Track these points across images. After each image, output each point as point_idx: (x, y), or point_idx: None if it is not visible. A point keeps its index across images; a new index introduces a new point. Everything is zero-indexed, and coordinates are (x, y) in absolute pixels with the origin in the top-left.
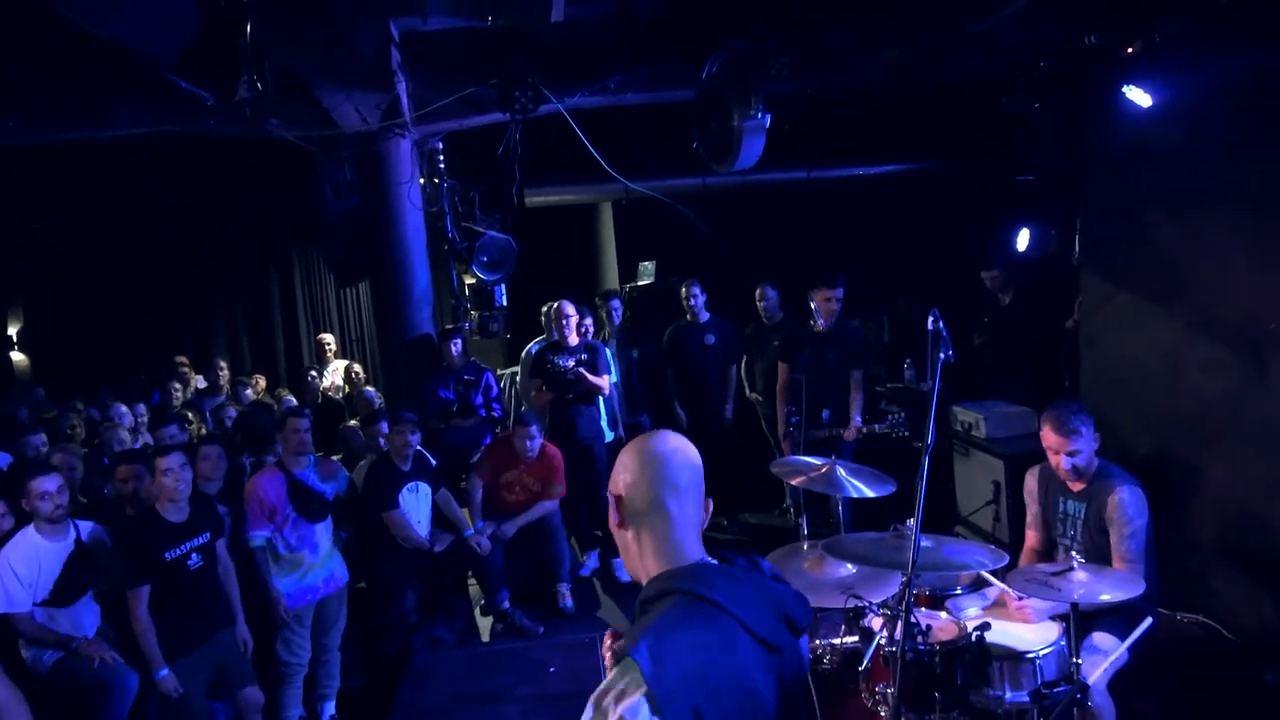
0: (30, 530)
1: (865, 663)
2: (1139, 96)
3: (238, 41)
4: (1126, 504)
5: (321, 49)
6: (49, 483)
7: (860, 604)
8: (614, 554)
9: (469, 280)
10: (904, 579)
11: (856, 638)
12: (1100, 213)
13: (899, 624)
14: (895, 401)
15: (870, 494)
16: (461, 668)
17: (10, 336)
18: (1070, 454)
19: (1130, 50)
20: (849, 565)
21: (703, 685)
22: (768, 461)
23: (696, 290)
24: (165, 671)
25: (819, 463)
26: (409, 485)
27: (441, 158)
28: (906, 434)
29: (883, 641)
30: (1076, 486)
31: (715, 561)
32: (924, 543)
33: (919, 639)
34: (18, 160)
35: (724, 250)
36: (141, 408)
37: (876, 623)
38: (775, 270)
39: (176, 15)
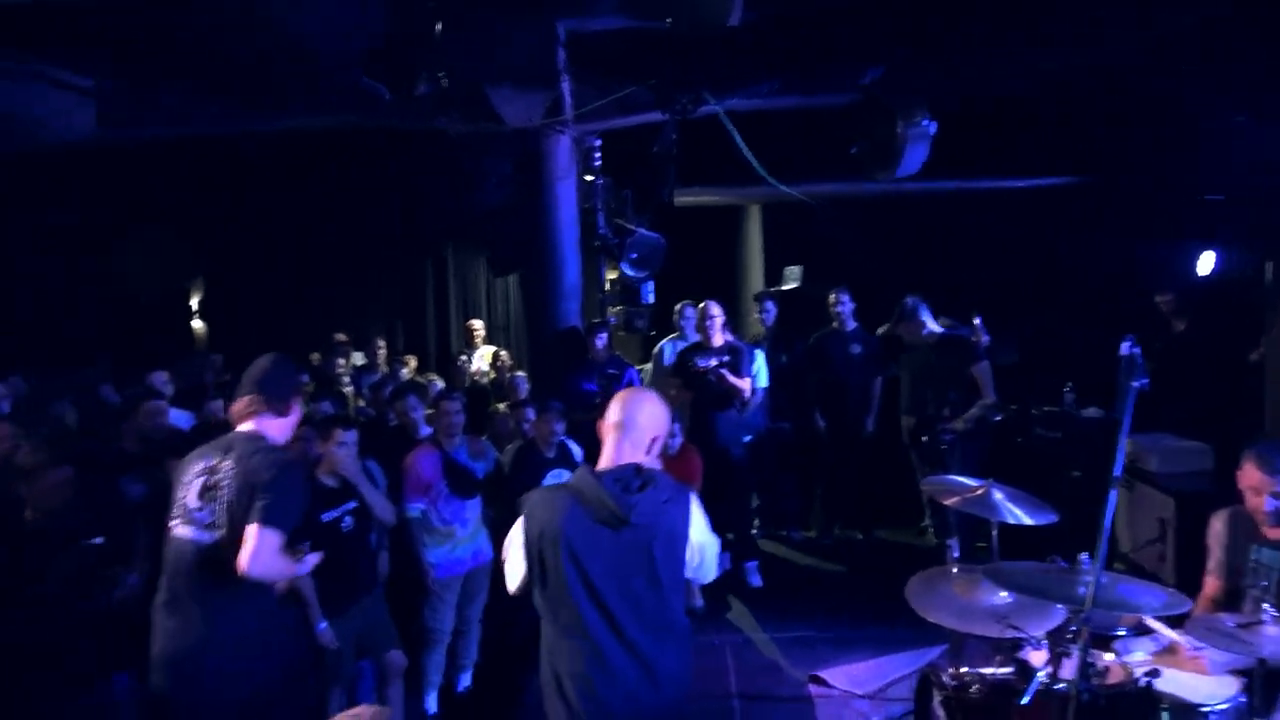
0: None
1: (1028, 698)
2: None
3: (419, 42)
4: None
5: (493, 50)
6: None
7: (1019, 635)
8: (746, 559)
9: (611, 275)
10: (1075, 614)
11: (1010, 669)
12: None
13: (1067, 661)
14: (1052, 427)
15: (1028, 521)
16: None
17: (192, 306)
18: (1276, 495)
19: None
20: (1003, 593)
21: (544, 518)
22: (908, 478)
23: (845, 298)
24: (325, 625)
25: (975, 484)
26: (553, 472)
27: (597, 155)
28: (999, 419)
29: (1045, 678)
30: (1276, 534)
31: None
32: (1101, 579)
33: (1093, 679)
34: (203, 147)
35: (873, 259)
36: (305, 377)
37: (1036, 657)
38: (924, 282)
39: (365, 17)
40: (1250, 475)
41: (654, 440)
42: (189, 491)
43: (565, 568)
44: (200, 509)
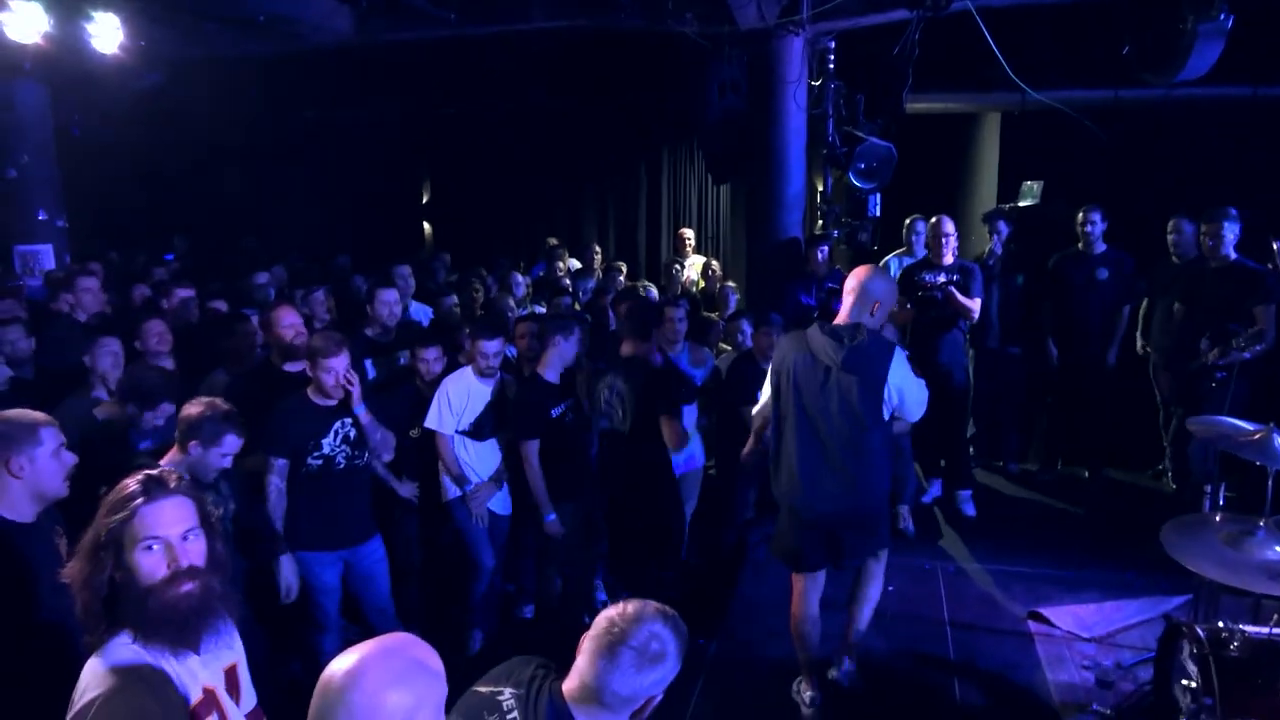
0: (468, 371)
1: None
2: None
3: None
4: None
5: None
6: (492, 346)
7: None
8: (959, 487)
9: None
10: None
11: None
12: None
13: None
14: None
15: None
16: None
17: (422, 206)
18: None
19: None
20: (1278, 548)
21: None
22: (1146, 415)
23: (1096, 217)
24: (553, 515)
25: (1253, 428)
26: None
27: (831, 58)
28: (1261, 346)
29: None
30: None
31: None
32: None
33: None
34: (433, 52)
35: (1133, 175)
36: (524, 279)
37: None
38: (1193, 202)
39: None
40: None
41: (877, 305)
42: None
43: (791, 394)
44: None
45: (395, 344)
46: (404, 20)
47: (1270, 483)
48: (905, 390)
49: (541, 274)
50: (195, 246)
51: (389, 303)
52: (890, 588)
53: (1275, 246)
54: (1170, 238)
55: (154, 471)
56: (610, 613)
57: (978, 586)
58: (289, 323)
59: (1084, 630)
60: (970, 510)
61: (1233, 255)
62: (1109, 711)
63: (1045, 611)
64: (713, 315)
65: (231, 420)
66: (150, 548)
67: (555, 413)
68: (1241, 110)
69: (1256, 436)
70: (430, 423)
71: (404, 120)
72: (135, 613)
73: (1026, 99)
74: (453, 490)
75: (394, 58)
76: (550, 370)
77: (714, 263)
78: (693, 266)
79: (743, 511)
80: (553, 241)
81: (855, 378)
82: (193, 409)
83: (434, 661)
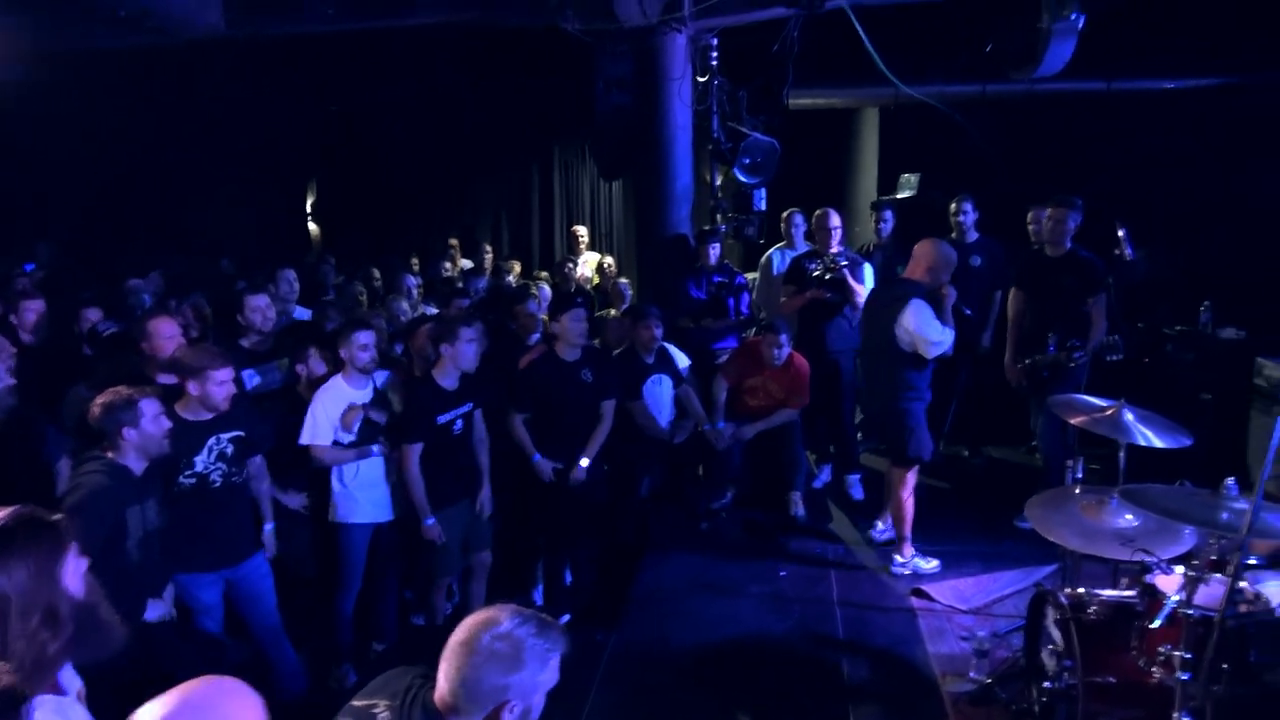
0: (338, 380)
1: (1159, 621)
2: None
3: None
4: None
5: None
6: (367, 336)
7: (1147, 559)
8: (848, 471)
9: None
10: (1214, 540)
11: (1132, 592)
12: None
13: (1203, 587)
14: (1185, 347)
15: (1159, 444)
16: (695, 558)
17: (307, 208)
18: None
19: None
20: (1129, 516)
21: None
22: (1019, 396)
23: (968, 207)
24: (432, 520)
25: (1105, 404)
26: (653, 378)
27: (714, 54)
28: (1119, 357)
29: (1178, 602)
30: None
31: None
32: (1246, 505)
33: (1240, 607)
34: (316, 47)
35: (1000, 166)
36: (415, 280)
37: (1165, 581)
38: (1055, 192)
39: None
40: None
41: (926, 269)
42: None
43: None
44: None
45: (275, 351)
46: (278, 14)
47: (1122, 455)
48: (913, 331)
49: (432, 275)
50: (62, 253)
51: (260, 308)
52: (783, 572)
53: (1120, 232)
54: (1030, 227)
55: None
56: (468, 618)
57: (866, 567)
58: (168, 334)
59: (963, 603)
60: (859, 493)
61: (1068, 244)
62: (985, 679)
63: (926, 587)
64: (609, 312)
65: (137, 394)
66: None
67: (442, 419)
68: (1097, 103)
69: (1109, 413)
70: (305, 438)
71: (288, 118)
72: None
73: (900, 94)
74: (342, 511)
75: (272, 53)
76: (446, 376)
77: (608, 259)
78: (586, 263)
79: (641, 503)
80: (453, 242)
81: (886, 319)
82: (95, 407)
83: (246, 713)
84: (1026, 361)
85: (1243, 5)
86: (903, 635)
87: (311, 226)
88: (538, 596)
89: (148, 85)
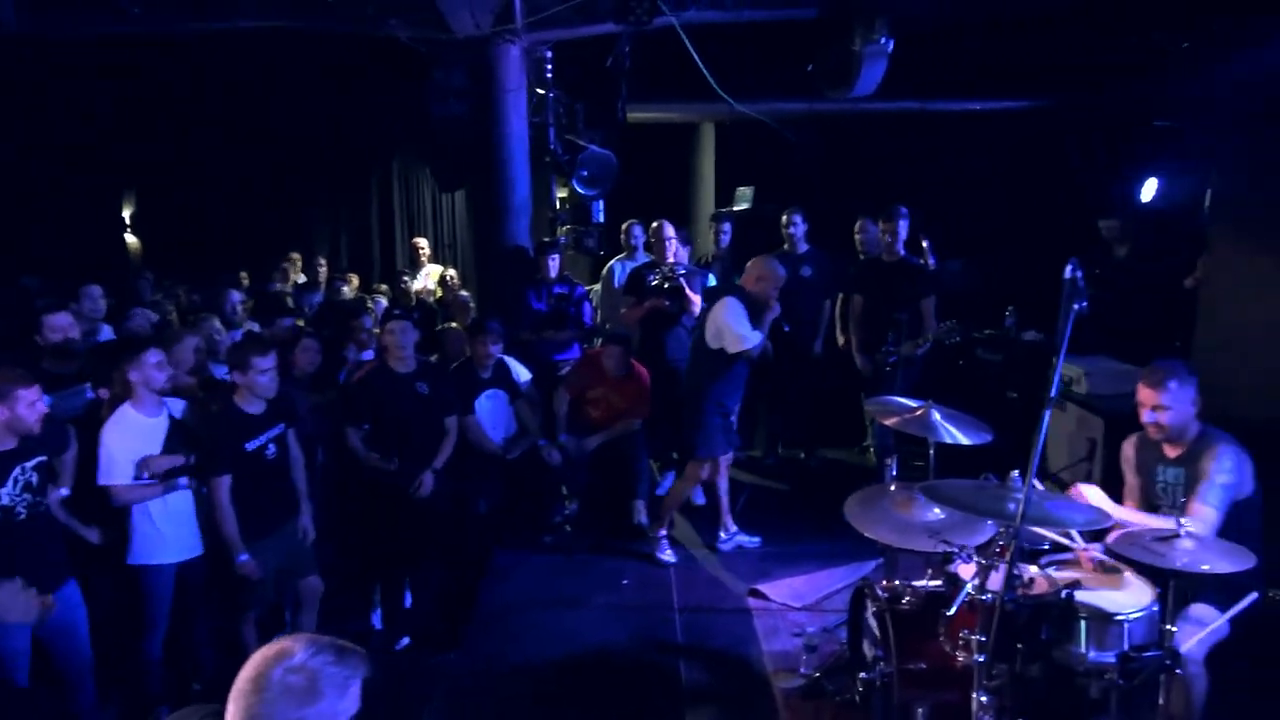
0: (127, 409)
1: (954, 609)
2: None
3: None
4: (1222, 456)
5: None
6: (157, 355)
7: (950, 549)
8: None
9: (561, 193)
10: (1004, 529)
11: (940, 582)
12: (1236, 165)
13: (994, 573)
14: (993, 349)
15: (965, 441)
16: (539, 572)
17: (124, 220)
18: (1156, 408)
19: None
20: (937, 510)
21: None
22: (853, 399)
23: (798, 219)
24: (246, 556)
25: (914, 405)
26: (487, 392)
27: (549, 67)
28: (958, 340)
29: (973, 589)
30: (1173, 452)
31: None
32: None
33: (1019, 590)
34: (134, 49)
35: (827, 180)
36: (240, 296)
37: (965, 570)
38: (880, 204)
39: None
40: (1139, 391)
41: (756, 279)
42: None
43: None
44: None
45: (80, 374)
46: (72, 11)
47: (932, 452)
48: (721, 327)
49: (259, 290)
50: None
51: (61, 328)
52: (626, 581)
53: (924, 244)
54: (857, 237)
55: None
56: (258, 652)
57: (706, 570)
58: None
59: (796, 600)
60: (700, 499)
61: (901, 251)
62: (814, 673)
63: (762, 587)
64: (452, 325)
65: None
66: None
67: (251, 446)
68: (913, 122)
69: (918, 413)
70: (102, 479)
71: (99, 126)
72: None
73: (733, 110)
74: (144, 551)
75: (81, 57)
76: (249, 401)
77: (450, 271)
78: (428, 276)
79: (478, 521)
80: (293, 256)
81: (709, 315)
82: None
83: None
84: (881, 353)
85: (1044, 33)
86: (739, 636)
87: (130, 239)
88: (376, 620)
89: None
